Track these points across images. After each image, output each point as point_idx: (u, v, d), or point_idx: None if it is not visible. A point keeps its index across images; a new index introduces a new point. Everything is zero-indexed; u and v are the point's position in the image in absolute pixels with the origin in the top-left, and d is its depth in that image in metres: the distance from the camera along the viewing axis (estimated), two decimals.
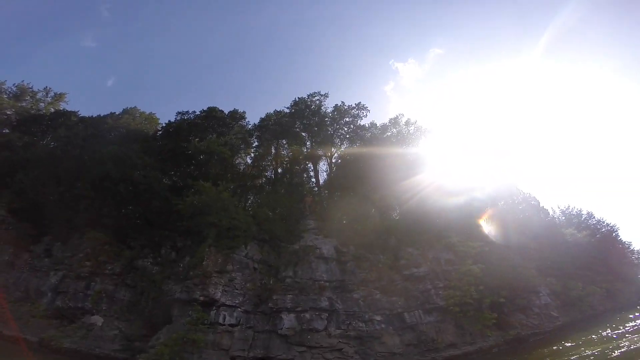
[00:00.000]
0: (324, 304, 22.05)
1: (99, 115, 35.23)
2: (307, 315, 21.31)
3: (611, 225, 42.28)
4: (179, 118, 34.38)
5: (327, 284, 23.39)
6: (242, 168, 34.56)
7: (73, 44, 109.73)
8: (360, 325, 21.93)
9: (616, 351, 13.41)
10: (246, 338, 20.41)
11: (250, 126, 35.95)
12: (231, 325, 20.38)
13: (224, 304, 20.78)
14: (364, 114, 36.81)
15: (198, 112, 34.44)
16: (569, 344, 18.68)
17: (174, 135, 31.81)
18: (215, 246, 22.73)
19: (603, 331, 20.89)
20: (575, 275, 30.65)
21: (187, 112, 34.71)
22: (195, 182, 25.75)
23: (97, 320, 21.05)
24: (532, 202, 39.29)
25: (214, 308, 20.54)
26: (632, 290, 39.65)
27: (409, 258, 25.44)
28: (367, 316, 22.44)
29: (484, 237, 28.01)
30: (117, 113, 36.50)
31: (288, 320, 21.00)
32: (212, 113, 34.15)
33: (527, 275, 26.09)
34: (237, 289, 21.77)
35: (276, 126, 35.18)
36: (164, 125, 35.51)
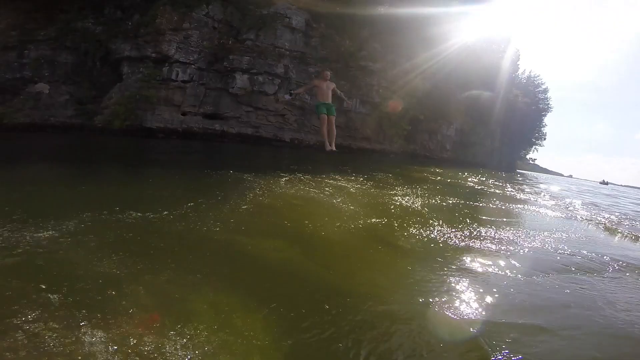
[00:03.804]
0: (280, 70, 22.18)
1: None
2: (260, 78, 21.51)
3: (548, 103, 46.47)
4: None
5: (288, 52, 23.15)
6: None
7: None
8: (306, 97, 22.97)
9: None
10: (197, 95, 20.77)
11: None
12: (184, 81, 20.25)
13: (177, 61, 20.14)
14: None
15: None
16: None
17: None
18: (170, 5, 20.11)
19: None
20: (488, 126, 35.18)
21: None
22: None
23: (43, 87, 19.66)
24: (514, 54, 38.39)
25: (167, 65, 19.93)
26: (506, 162, 44.27)
27: (370, 52, 25.65)
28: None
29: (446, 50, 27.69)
30: None
31: (241, 80, 21.15)
32: None
33: (455, 108, 29.45)
34: (192, 47, 20.73)
35: None
36: None
